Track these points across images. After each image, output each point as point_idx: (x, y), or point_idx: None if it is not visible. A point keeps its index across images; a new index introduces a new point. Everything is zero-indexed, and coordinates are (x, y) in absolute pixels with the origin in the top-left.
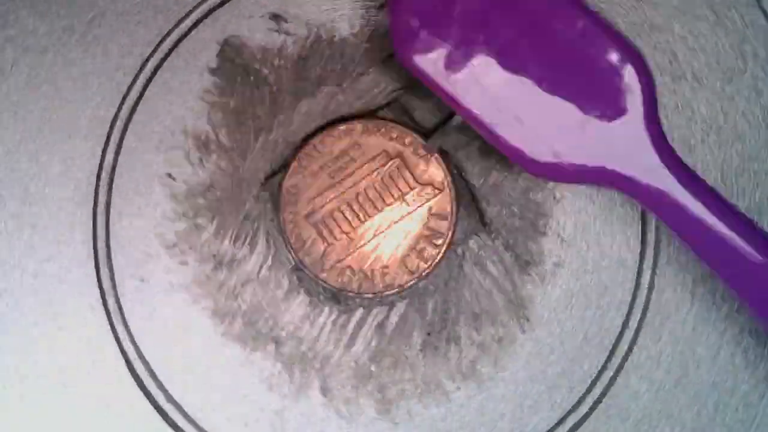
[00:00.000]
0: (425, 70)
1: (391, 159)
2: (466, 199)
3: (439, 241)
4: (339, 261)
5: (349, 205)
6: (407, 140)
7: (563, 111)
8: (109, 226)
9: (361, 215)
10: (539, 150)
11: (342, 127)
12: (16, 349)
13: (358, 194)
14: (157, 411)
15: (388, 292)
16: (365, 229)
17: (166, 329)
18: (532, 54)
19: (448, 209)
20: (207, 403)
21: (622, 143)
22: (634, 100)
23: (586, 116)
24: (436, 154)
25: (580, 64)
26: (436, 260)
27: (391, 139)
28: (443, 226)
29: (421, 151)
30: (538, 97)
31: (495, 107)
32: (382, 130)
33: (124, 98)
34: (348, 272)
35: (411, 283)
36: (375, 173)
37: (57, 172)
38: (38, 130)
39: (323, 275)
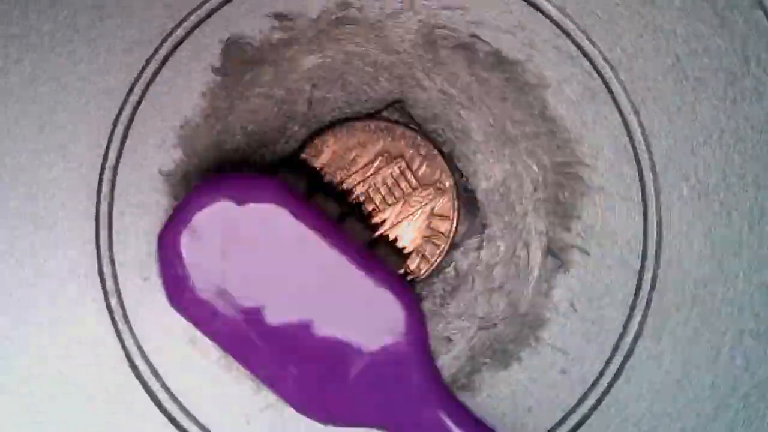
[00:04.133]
0: (196, 322)
1: (394, 160)
2: (469, 199)
3: (440, 242)
4: None
5: (351, 206)
6: (409, 141)
7: (334, 368)
8: (111, 224)
9: (362, 216)
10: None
11: (344, 128)
12: (16, 348)
13: (359, 195)
14: (157, 407)
15: None
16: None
17: (170, 327)
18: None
19: (450, 210)
20: (207, 398)
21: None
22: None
23: (358, 371)
24: (440, 156)
25: (352, 321)
26: (438, 261)
27: (393, 139)
28: (444, 226)
29: (423, 151)
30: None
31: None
32: (384, 130)
33: (127, 96)
34: None
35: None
36: (377, 174)
37: (60, 169)
38: (40, 129)
39: None
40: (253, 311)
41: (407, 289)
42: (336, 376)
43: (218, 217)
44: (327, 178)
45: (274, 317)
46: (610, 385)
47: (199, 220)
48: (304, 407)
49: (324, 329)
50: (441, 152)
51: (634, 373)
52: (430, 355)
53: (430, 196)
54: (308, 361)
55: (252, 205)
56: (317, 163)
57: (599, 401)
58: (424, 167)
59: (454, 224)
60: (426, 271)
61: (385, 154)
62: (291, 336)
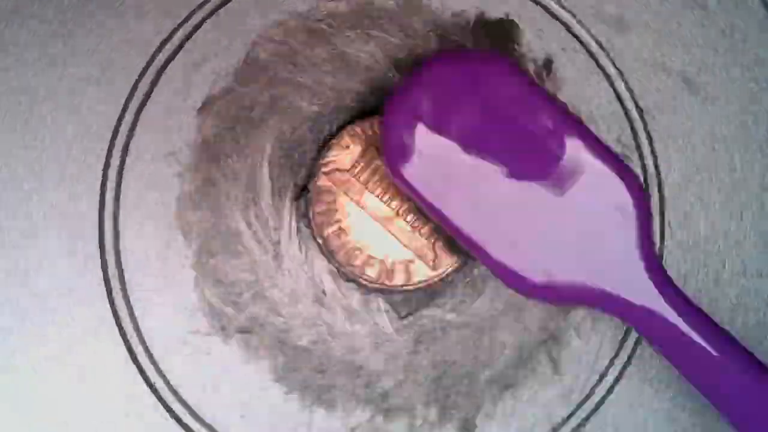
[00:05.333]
0: (417, 188)
1: None
2: None
3: None
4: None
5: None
6: None
7: (556, 231)
8: (117, 225)
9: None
10: (532, 271)
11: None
12: (22, 347)
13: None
14: (159, 402)
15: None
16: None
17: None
18: (527, 175)
19: None
20: (207, 394)
21: (616, 265)
22: (628, 221)
23: (580, 237)
24: None
25: (575, 183)
26: None
27: None
28: None
29: None
30: (532, 218)
31: (488, 228)
32: None
33: (134, 87)
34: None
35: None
36: None
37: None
38: (44, 126)
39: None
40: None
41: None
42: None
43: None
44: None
45: (493, 183)
46: None
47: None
48: (515, 269)
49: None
50: None
51: None
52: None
53: None
54: (522, 220)
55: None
56: None
57: None
58: None
59: None
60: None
61: None
62: (507, 199)
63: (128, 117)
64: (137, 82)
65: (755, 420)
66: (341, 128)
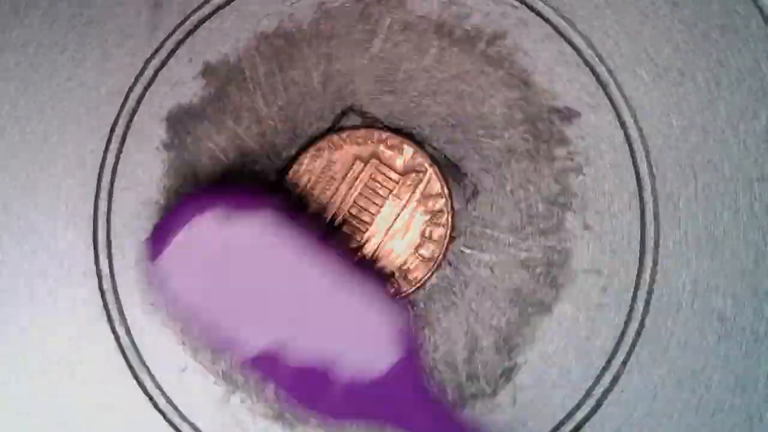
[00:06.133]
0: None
1: (367, 162)
2: (452, 170)
3: (443, 219)
4: None
5: (347, 222)
6: (375, 138)
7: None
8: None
9: (361, 227)
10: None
11: (310, 152)
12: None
13: (350, 208)
14: (154, 407)
15: (415, 287)
16: (369, 237)
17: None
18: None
19: (439, 186)
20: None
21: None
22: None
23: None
24: (406, 144)
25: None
26: (446, 239)
27: (359, 144)
28: (440, 203)
29: (390, 142)
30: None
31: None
32: (347, 138)
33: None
34: None
35: (432, 271)
36: (358, 181)
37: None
38: (45, 120)
39: None
40: (243, 327)
41: (393, 308)
42: (328, 383)
43: (204, 234)
44: (313, 199)
45: (262, 334)
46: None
47: (185, 236)
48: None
49: (314, 345)
50: (410, 138)
51: None
52: (419, 371)
53: (415, 181)
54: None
55: (239, 224)
56: (300, 188)
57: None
58: (397, 158)
59: (448, 196)
60: (440, 254)
61: (358, 160)
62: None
63: None
64: None
65: None
66: None
